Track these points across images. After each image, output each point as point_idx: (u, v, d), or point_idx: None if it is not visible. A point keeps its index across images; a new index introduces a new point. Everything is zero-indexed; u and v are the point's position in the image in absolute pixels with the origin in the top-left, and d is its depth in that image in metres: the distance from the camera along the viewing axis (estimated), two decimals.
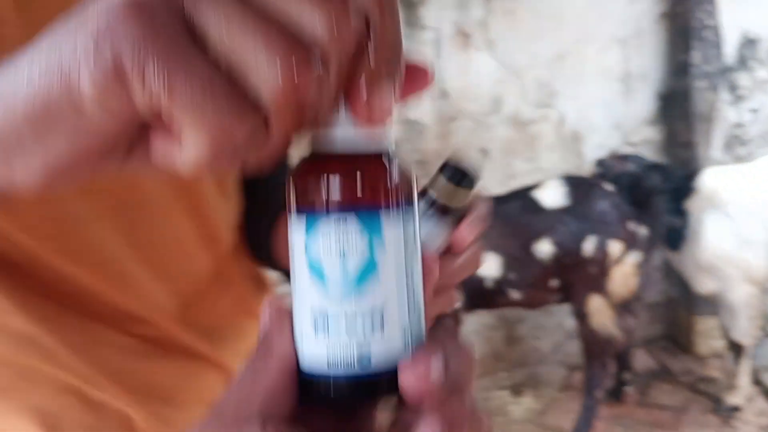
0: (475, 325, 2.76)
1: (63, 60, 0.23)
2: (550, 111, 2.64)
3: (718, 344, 2.73)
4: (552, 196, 2.18)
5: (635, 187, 2.27)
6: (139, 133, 0.25)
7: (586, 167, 2.56)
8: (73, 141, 0.25)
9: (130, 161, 0.27)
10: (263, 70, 0.22)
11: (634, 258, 2.22)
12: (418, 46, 2.45)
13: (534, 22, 2.54)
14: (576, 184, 2.23)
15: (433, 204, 0.42)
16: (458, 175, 0.42)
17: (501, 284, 2.17)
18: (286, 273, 0.59)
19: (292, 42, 0.22)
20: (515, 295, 2.21)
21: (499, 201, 2.22)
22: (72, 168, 0.26)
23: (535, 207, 2.18)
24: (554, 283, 2.20)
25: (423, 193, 0.43)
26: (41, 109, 0.24)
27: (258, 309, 0.68)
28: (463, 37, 2.47)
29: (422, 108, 2.49)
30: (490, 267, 2.14)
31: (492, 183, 2.63)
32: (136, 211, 0.54)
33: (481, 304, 2.26)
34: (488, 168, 2.60)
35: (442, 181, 0.42)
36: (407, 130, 2.49)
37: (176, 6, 0.22)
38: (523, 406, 2.62)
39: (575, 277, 2.21)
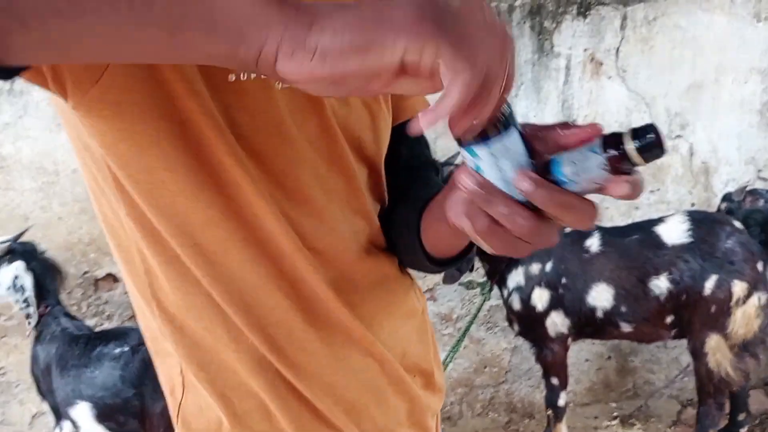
0: (587, 354, 2.94)
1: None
2: (680, 142, 2.77)
3: None
4: (675, 231, 2.33)
5: (762, 224, 2.38)
6: None
7: (715, 201, 2.67)
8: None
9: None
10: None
11: (758, 299, 2.32)
12: (549, 73, 2.66)
13: (670, 50, 2.69)
14: (701, 220, 2.36)
15: (614, 155, 0.50)
16: (649, 147, 0.49)
17: (612, 316, 2.33)
18: (433, 264, 0.80)
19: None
20: (626, 328, 2.37)
21: (619, 232, 2.40)
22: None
23: (656, 242, 2.33)
24: (669, 319, 2.34)
25: (612, 140, 0.50)
26: None
27: (407, 311, 0.86)
28: (595, 64, 2.65)
29: None
30: (602, 298, 2.32)
31: (615, 213, 2.80)
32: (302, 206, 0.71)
33: (590, 333, 2.45)
34: (612, 198, 2.87)
35: (631, 144, 0.49)
36: None
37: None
38: None
39: (694, 316, 2.34)
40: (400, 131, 0.86)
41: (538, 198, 0.51)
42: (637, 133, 0.49)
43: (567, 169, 0.52)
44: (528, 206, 0.52)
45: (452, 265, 0.87)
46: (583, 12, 2.63)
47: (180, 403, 0.80)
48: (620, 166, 0.50)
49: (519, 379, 2.98)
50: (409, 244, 0.80)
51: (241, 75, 0.66)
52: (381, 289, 0.81)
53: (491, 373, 2.99)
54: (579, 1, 2.62)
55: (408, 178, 0.87)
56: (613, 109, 2.71)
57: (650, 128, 0.49)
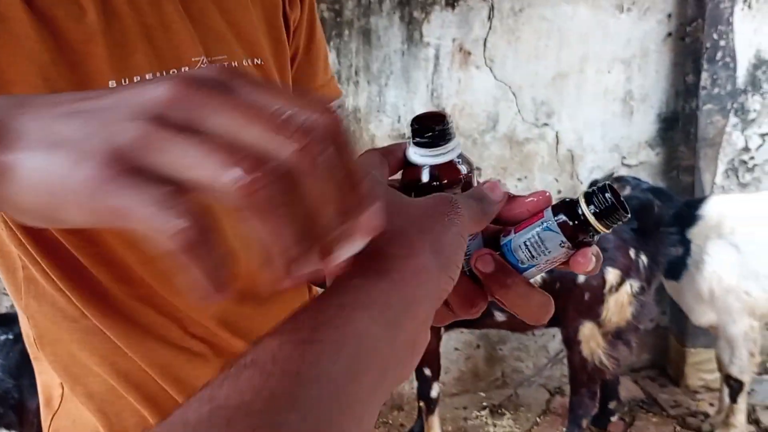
0: (455, 343, 3.08)
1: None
2: (546, 130, 3.01)
3: (711, 378, 3.01)
4: None
5: (636, 211, 2.54)
6: None
7: (581, 189, 2.88)
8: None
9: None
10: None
11: (631, 287, 2.56)
12: (418, 63, 2.82)
13: (535, 41, 2.92)
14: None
15: (571, 228, 0.48)
16: (608, 211, 0.47)
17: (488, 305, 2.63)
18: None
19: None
20: (500, 317, 2.50)
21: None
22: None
23: None
24: None
25: (565, 208, 0.48)
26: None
27: None
28: (464, 54, 2.84)
29: None
30: None
31: None
32: None
33: (463, 323, 2.51)
34: None
35: (589, 212, 0.47)
36: None
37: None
38: (502, 428, 2.96)
39: (568, 304, 2.52)
40: None
41: (494, 283, 0.50)
42: (592, 197, 0.48)
43: (521, 254, 0.50)
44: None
45: None
46: (452, 2, 2.85)
47: (54, 415, 0.84)
48: (579, 237, 0.49)
49: None
50: None
51: None
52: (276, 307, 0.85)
53: None
54: None
55: None
56: (481, 98, 2.87)
57: (605, 189, 0.48)
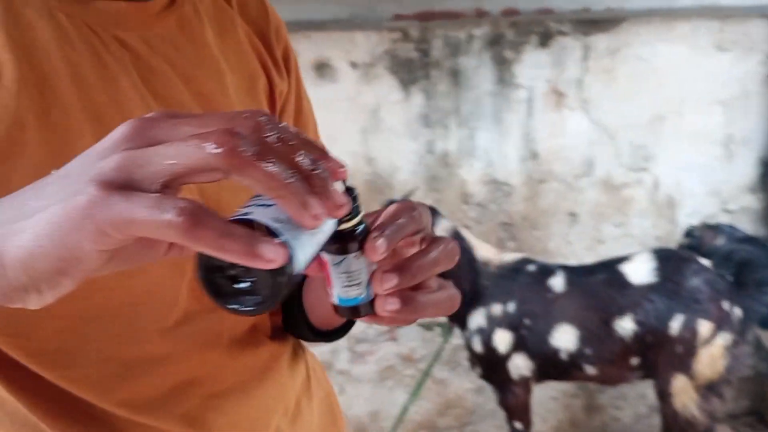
0: (553, 392, 3.03)
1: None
2: (644, 175, 2.91)
3: None
4: (640, 270, 2.43)
5: (729, 261, 2.48)
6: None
7: (679, 234, 2.80)
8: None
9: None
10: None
11: (724, 339, 2.44)
12: (510, 105, 2.78)
13: (632, 82, 2.83)
14: (667, 259, 2.47)
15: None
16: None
17: (576, 358, 2.43)
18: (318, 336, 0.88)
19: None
20: (591, 370, 2.46)
21: (584, 271, 2.49)
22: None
23: (621, 281, 2.43)
24: (635, 361, 2.44)
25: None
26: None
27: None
28: (557, 96, 2.80)
29: (510, 169, 2.80)
30: (566, 339, 2.42)
31: (579, 248, 2.89)
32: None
33: (553, 375, 2.54)
34: (576, 232, 2.91)
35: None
36: (493, 191, 2.81)
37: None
38: None
39: (659, 357, 2.44)
40: None
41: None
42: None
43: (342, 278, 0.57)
44: None
45: (338, 337, 0.94)
46: (545, 42, 2.82)
47: None
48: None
49: (484, 420, 3.06)
50: (291, 315, 0.87)
51: None
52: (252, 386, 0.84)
53: (455, 415, 3.09)
54: (540, 31, 2.81)
55: None
56: (575, 141, 2.82)
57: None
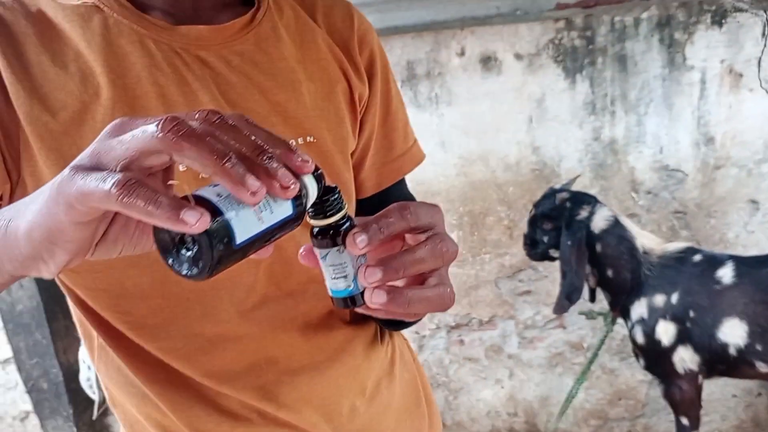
0: (734, 389, 2.89)
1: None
2: None
3: None
4: None
5: None
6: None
7: None
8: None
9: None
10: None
11: None
12: (681, 88, 2.65)
13: None
14: None
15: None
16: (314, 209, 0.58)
17: (746, 354, 2.31)
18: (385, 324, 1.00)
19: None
20: (763, 368, 2.33)
21: (756, 262, 2.35)
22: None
23: None
24: None
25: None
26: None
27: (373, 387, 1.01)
28: (734, 76, 2.64)
29: (682, 154, 2.68)
30: (735, 334, 2.31)
31: (762, 238, 2.73)
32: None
33: (722, 371, 2.42)
34: (758, 221, 2.73)
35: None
36: (664, 178, 2.72)
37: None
38: None
39: None
40: (381, 197, 1.02)
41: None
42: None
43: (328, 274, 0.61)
44: None
45: (404, 326, 1.01)
46: (719, 20, 2.64)
47: None
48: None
49: (657, 414, 2.97)
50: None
51: None
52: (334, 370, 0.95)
53: (627, 406, 3.03)
54: (713, 8, 2.64)
55: None
56: (755, 124, 2.64)
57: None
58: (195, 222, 0.45)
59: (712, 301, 2.36)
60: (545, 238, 2.42)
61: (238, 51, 0.86)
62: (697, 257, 2.38)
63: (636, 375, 2.96)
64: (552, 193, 2.43)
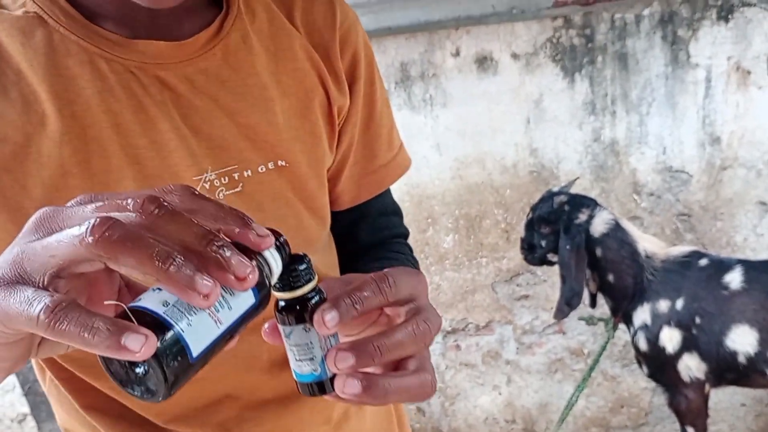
0: (742, 398, 2.77)
1: None
2: None
3: None
4: None
5: None
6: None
7: None
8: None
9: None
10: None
11: None
12: (685, 87, 2.53)
13: None
14: None
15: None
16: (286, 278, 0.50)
17: (756, 363, 2.19)
18: None
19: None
20: None
21: (767, 267, 2.22)
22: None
23: None
24: None
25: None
26: None
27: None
28: (742, 74, 2.52)
29: (687, 155, 2.57)
30: (744, 341, 2.19)
31: None
32: None
33: (731, 380, 2.30)
34: (766, 224, 2.61)
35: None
36: (668, 180, 2.60)
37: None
38: None
39: None
40: (359, 210, 0.94)
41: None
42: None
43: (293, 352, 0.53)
44: None
45: None
46: (725, 16, 2.51)
47: None
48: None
49: (661, 422, 2.85)
50: None
51: None
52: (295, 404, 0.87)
53: (629, 414, 2.91)
54: (719, 3, 2.52)
55: (369, 257, 0.94)
56: (765, 123, 2.53)
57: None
58: (139, 348, 0.39)
59: (720, 308, 2.24)
60: (543, 243, 2.31)
61: (202, 68, 0.75)
62: (704, 261, 2.26)
63: (639, 382, 2.84)
64: (550, 196, 2.32)
